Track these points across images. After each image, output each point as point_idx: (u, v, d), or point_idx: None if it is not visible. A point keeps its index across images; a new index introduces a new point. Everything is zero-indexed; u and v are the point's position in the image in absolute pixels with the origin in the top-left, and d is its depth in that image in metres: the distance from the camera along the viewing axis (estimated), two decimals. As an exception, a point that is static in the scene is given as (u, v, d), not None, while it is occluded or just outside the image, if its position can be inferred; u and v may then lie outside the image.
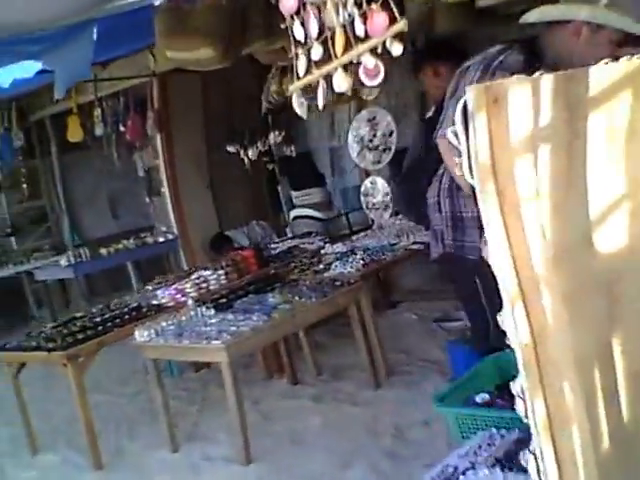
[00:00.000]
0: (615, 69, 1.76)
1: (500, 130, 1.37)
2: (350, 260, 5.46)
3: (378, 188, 6.99)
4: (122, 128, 8.33)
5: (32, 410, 5.08)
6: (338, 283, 4.99)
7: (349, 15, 2.13)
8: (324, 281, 5.09)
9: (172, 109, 8.24)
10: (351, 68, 2.19)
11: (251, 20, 4.69)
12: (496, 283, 3.32)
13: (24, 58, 4.65)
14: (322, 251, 6.14)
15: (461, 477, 2.49)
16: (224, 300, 4.82)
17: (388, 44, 2.13)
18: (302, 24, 2.19)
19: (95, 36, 4.55)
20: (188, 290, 5.15)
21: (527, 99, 1.44)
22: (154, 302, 5.13)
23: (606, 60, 1.77)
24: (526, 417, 1.52)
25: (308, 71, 2.18)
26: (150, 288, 5.66)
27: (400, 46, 2.13)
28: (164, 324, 4.43)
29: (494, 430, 2.78)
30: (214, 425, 4.84)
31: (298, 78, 2.20)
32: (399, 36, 2.13)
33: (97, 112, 8.27)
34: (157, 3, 4.07)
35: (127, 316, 4.94)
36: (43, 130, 10.71)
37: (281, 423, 4.72)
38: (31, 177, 10.91)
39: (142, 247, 8.22)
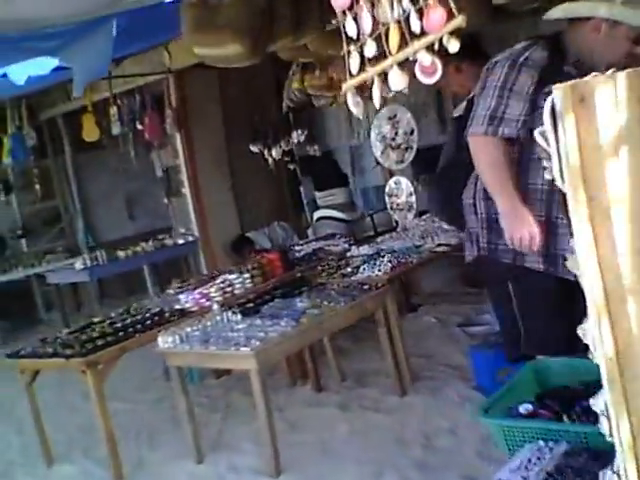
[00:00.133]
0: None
1: (588, 131, 1.33)
2: (377, 263, 5.43)
3: (402, 188, 6.99)
4: (139, 126, 8.31)
5: (45, 418, 5.02)
6: (366, 287, 4.97)
7: (404, 10, 2.10)
8: (352, 285, 5.07)
9: (190, 107, 8.22)
10: (406, 66, 2.16)
11: (278, 15, 4.66)
12: (529, 289, 3.34)
13: (39, 54, 4.64)
14: (348, 253, 6.11)
15: (514, 492, 2.46)
16: (251, 305, 4.79)
17: (445, 41, 2.10)
18: (354, 20, 2.16)
19: (115, 31, 4.55)
20: (213, 294, 5.11)
21: (610, 97, 1.40)
22: (177, 307, 5.09)
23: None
24: (610, 435, 1.47)
25: (362, 69, 2.15)
26: (172, 292, 5.62)
27: (457, 43, 2.10)
28: (189, 330, 4.38)
29: (541, 443, 2.76)
30: (239, 434, 4.81)
31: (351, 76, 2.16)
32: (456, 32, 2.10)
33: (113, 110, 8.25)
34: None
35: (149, 321, 4.88)
36: (55, 129, 10.73)
37: (308, 432, 4.69)
38: (43, 177, 10.93)
39: (161, 249, 8.18)
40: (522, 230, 3.20)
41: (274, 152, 7.83)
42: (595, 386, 2.95)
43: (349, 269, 5.51)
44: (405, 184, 6.94)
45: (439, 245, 5.92)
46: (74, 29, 4.61)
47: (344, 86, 2.21)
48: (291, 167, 8.79)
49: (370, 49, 2.15)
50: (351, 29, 2.18)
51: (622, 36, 3.08)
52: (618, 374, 1.44)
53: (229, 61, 4.67)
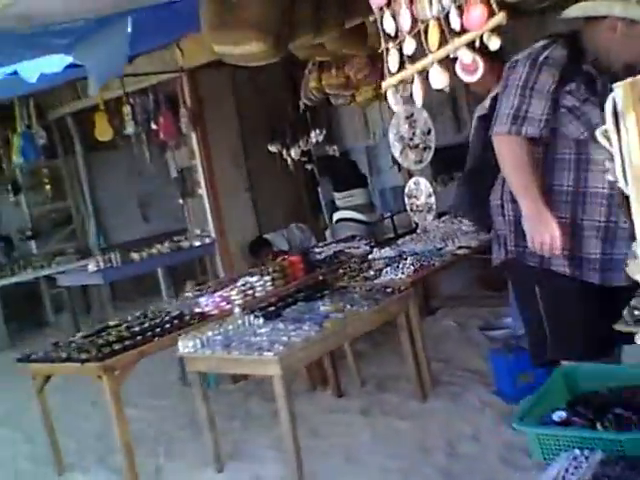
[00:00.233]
0: None
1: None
2: (400, 266, 5.44)
3: (421, 189, 6.97)
4: (154, 126, 8.33)
5: (55, 425, 5.00)
6: (389, 290, 4.97)
7: (443, 7, 2.10)
8: (375, 288, 5.08)
9: (204, 106, 8.24)
10: (446, 63, 2.17)
11: (299, 12, 4.66)
12: (555, 292, 3.35)
13: (52, 52, 4.64)
14: (370, 256, 6.12)
15: (553, 503, 2.46)
16: (272, 308, 4.80)
17: (486, 38, 2.11)
18: (393, 17, 2.17)
19: (130, 29, 4.55)
20: (233, 297, 5.11)
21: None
22: (197, 310, 5.09)
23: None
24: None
25: (401, 67, 2.16)
26: (191, 295, 5.63)
27: (498, 40, 2.11)
28: (210, 334, 4.38)
29: (577, 451, 2.75)
30: (260, 442, 4.82)
31: (390, 74, 2.17)
32: (497, 30, 2.11)
33: (127, 109, 8.27)
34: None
35: (168, 325, 4.86)
36: (64, 128, 10.77)
37: (331, 439, 4.70)
38: (53, 177, 10.98)
39: (177, 251, 8.16)
40: (544, 233, 3.20)
41: (293, 152, 7.84)
42: (625, 393, 2.98)
43: (371, 272, 5.52)
44: (424, 185, 6.93)
45: (460, 247, 5.92)
46: (88, 26, 4.62)
47: (384, 84, 2.21)
48: (309, 167, 8.80)
49: (409, 47, 2.16)
50: (389, 26, 2.19)
51: (638, 35, 3.09)
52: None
53: (250, 59, 4.66)
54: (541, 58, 3.18)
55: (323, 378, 5.52)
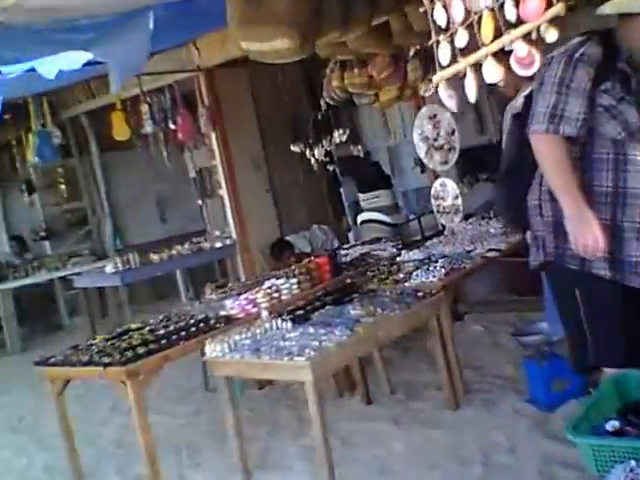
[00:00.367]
0: None
1: None
2: (430, 269, 5.38)
3: (448, 190, 6.95)
4: (172, 126, 8.32)
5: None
6: (420, 294, 4.92)
7: (498, -2, 2.06)
8: (405, 291, 5.02)
9: (222, 106, 8.22)
10: (500, 56, 2.13)
11: (327, 9, 4.64)
12: (596, 296, 3.30)
13: (71, 48, 4.61)
14: (398, 258, 6.07)
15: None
16: (301, 311, 4.75)
17: (543, 30, 2.06)
18: (444, 7, 2.13)
19: (152, 23, 4.52)
20: (259, 300, 5.06)
21: None
22: (222, 313, 5.04)
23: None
24: None
25: (453, 60, 2.12)
26: (214, 297, 5.60)
27: (556, 32, 2.07)
28: (237, 338, 4.34)
29: (633, 463, 2.70)
30: (288, 451, 4.77)
31: (441, 67, 2.13)
32: (555, 21, 2.06)
33: (144, 108, 8.27)
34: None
35: (193, 328, 4.81)
36: (79, 127, 10.79)
37: (363, 449, 4.63)
38: (68, 177, 11.00)
39: (197, 253, 8.13)
40: (587, 234, 3.17)
41: (316, 152, 7.81)
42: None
43: (401, 275, 5.46)
44: (451, 186, 6.92)
45: (489, 250, 5.86)
46: (109, 21, 4.61)
47: (434, 78, 2.17)
48: (330, 168, 8.77)
49: (461, 39, 2.12)
50: (440, 18, 2.15)
51: None
52: None
53: (277, 56, 4.63)
54: (577, 55, 3.13)
55: (350, 384, 5.46)
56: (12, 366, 8.86)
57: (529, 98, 3.57)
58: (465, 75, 2.16)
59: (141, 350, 4.51)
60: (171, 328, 4.90)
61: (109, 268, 7.80)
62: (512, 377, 5.20)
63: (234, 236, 8.12)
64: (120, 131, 8.51)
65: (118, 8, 4.41)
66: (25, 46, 4.76)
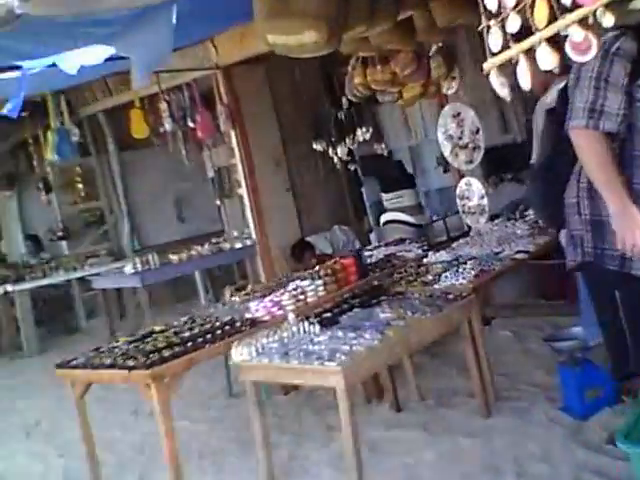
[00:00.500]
0: None
1: None
2: (460, 270, 5.27)
3: (473, 190, 6.85)
4: (191, 124, 8.25)
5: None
6: (451, 296, 4.80)
7: (552, -19, 1.95)
8: (435, 294, 4.91)
9: (241, 104, 8.14)
10: (554, 42, 2.02)
11: (354, 1, 4.57)
12: (637, 298, 3.20)
13: (94, 42, 4.54)
14: (425, 260, 5.95)
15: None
16: (328, 314, 4.64)
17: (599, 14, 1.95)
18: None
19: (175, 17, 4.42)
20: (285, 303, 4.95)
21: None
22: (247, 315, 4.93)
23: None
24: None
25: (505, 46, 2.00)
26: (238, 299, 5.50)
27: (612, 17, 1.95)
28: (264, 341, 4.23)
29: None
30: (315, 458, 4.65)
31: (492, 54, 2.02)
32: (611, 5, 1.95)
33: (163, 106, 8.21)
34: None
35: (219, 331, 4.70)
36: (96, 125, 10.74)
37: (392, 457, 4.50)
38: (85, 176, 10.94)
39: (217, 254, 8.04)
40: (635, 231, 3.08)
41: (339, 150, 7.72)
42: None
43: (429, 277, 5.34)
44: (476, 186, 6.82)
45: (518, 252, 5.74)
46: (131, 15, 4.52)
47: (485, 65, 2.06)
48: (351, 167, 8.67)
49: (513, 24, 2.01)
50: (491, 2, 2.04)
51: None
52: None
53: (303, 50, 4.56)
54: (613, 49, 3.08)
55: (379, 390, 5.34)
56: (29, 368, 8.80)
57: (564, 92, 3.48)
58: (517, 62, 2.04)
59: (166, 353, 4.40)
60: (196, 330, 4.78)
61: (128, 269, 7.72)
62: (544, 384, 5.06)
63: (254, 236, 8.03)
64: (139, 129, 8.45)
65: (140, 2, 4.32)
66: (46, 39, 4.68)
